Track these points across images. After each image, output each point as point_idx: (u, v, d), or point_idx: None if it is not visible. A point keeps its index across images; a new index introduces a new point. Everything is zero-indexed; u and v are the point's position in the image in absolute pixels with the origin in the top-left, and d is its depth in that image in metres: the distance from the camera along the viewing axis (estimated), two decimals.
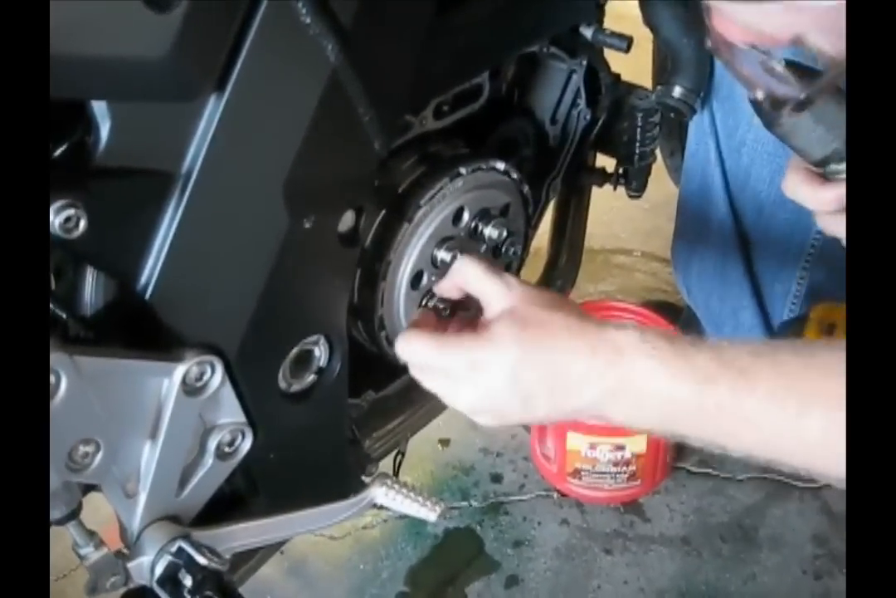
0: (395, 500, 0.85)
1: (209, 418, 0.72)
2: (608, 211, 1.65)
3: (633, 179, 1.17)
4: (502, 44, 0.88)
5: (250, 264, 0.67)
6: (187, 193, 0.60)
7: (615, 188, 1.18)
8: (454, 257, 0.85)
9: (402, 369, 0.98)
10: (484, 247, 0.91)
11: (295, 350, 0.75)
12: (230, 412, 0.73)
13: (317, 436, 0.82)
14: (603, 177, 1.17)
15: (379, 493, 0.85)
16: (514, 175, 0.92)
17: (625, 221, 1.75)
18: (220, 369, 0.69)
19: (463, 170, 0.85)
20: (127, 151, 0.56)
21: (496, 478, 1.39)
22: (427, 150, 0.87)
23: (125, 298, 0.64)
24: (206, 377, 0.68)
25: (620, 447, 1.30)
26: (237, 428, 0.74)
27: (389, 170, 0.85)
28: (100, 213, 0.56)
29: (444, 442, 1.47)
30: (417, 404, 1.09)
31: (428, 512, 0.84)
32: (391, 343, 0.89)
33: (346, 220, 0.73)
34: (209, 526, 0.74)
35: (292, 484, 0.81)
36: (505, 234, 0.89)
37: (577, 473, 1.32)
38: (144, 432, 0.66)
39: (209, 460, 0.73)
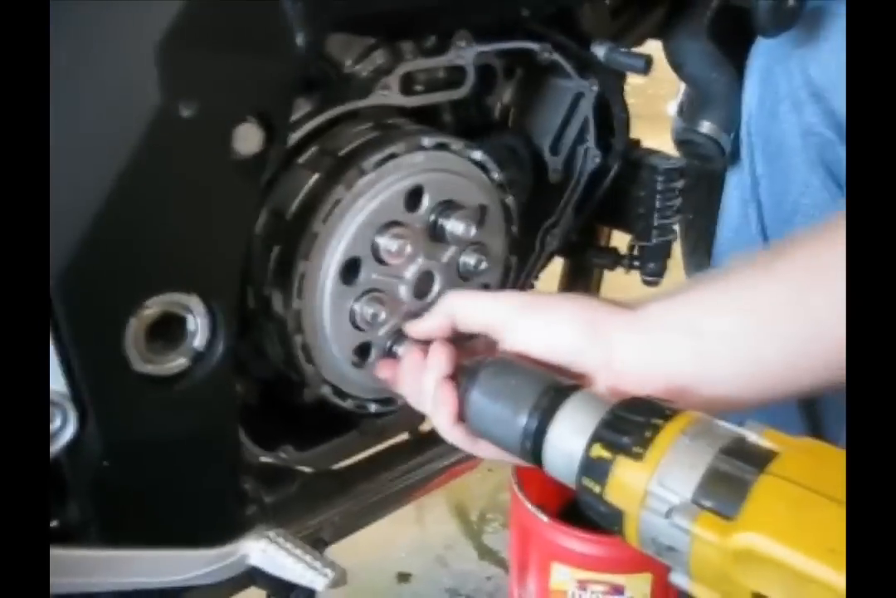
0: (274, 560, 0.60)
1: None
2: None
3: (650, 261, 0.99)
4: None
5: (96, 150, 0.50)
6: None
7: (628, 271, 1.01)
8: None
9: (337, 418, 0.78)
10: (446, 253, 0.72)
11: (153, 309, 0.55)
12: None
13: (180, 448, 0.59)
14: (614, 257, 1.00)
15: (255, 549, 0.61)
16: (496, 176, 0.75)
17: None
18: None
19: (426, 141, 0.69)
20: None
21: None
22: (386, 120, 0.71)
23: None
24: None
25: (618, 589, 1.02)
26: (54, 401, 0.53)
27: (334, 134, 0.69)
28: None
29: (404, 577, 1.20)
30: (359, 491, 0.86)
31: (315, 577, 0.58)
32: (311, 360, 0.69)
33: (252, 139, 0.56)
34: None
35: (130, 508, 0.58)
36: (473, 233, 0.71)
37: None
38: None
39: None
